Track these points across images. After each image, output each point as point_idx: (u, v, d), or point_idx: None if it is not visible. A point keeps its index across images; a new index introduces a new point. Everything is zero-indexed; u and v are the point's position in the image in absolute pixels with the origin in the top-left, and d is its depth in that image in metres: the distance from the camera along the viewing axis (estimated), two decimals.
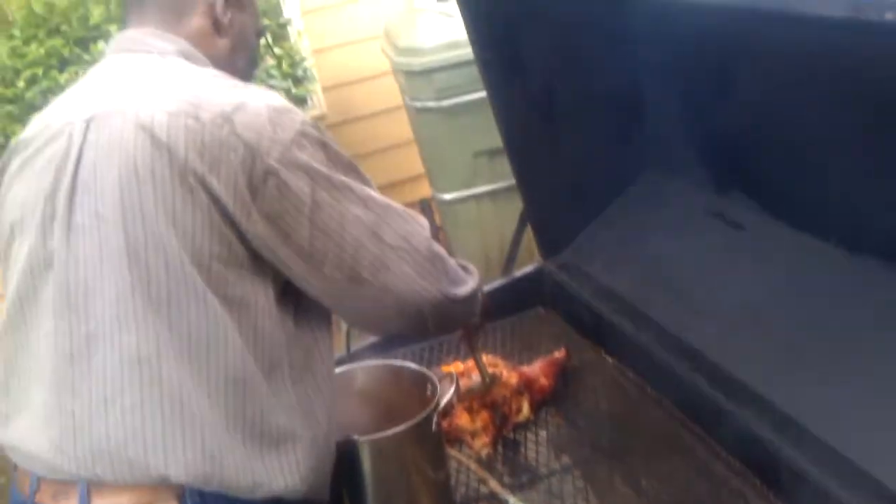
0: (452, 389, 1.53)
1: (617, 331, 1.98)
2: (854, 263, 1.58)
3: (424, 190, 3.89)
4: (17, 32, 3.04)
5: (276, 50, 3.42)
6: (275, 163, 1.10)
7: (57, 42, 2.98)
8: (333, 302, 1.23)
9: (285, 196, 1.11)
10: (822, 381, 1.51)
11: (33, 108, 2.87)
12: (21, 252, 1.16)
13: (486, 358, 1.88)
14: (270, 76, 3.34)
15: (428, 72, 2.93)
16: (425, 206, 3.82)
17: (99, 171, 1.10)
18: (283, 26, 3.68)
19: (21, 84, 2.93)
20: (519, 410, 1.87)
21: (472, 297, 1.32)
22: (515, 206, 2.40)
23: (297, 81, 3.54)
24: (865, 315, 1.52)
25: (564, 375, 1.99)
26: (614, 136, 2.12)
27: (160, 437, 1.06)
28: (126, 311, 1.07)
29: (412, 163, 3.78)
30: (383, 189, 1.25)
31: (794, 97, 1.51)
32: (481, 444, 1.80)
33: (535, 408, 1.90)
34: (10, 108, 2.94)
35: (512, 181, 2.35)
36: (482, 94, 2.27)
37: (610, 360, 2.02)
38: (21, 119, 2.90)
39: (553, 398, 1.94)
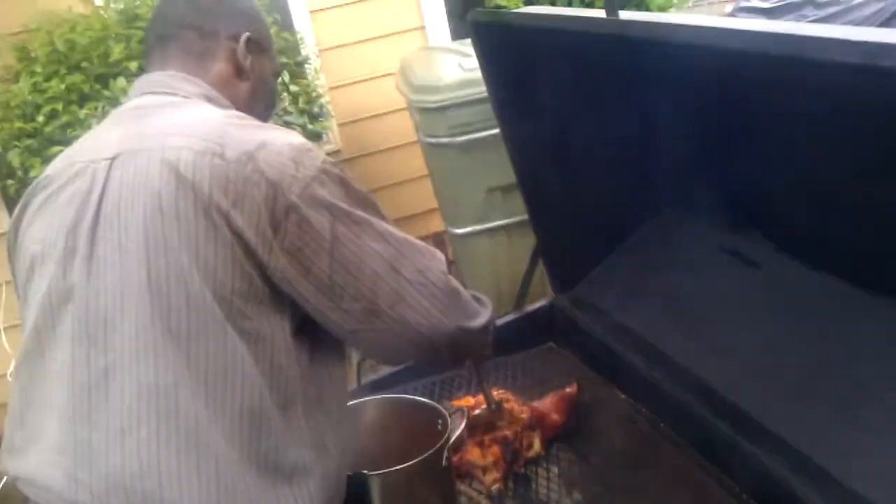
0: (463, 424, 1.53)
1: (630, 367, 1.97)
2: (871, 302, 1.58)
3: (437, 224, 3.91)
4: (38, 69, 3.07)
5: (293, 87, 3.46)
6: (296, 199, 1.12)
7: (77, 78, 3.01)
8: (350, 334, 1.23)
9: (306, 231, 1.13)
10: (839, 419, 1.50)
11: (52, 142, 2.91)
12: (41, 285, 1.17)
13: (497, 392, 1.88)
14: (287, 112, 3.37)
15: (443, 109, 2.95)
16: (439, 240, 3.83)
17: (123, 207, 1.12)
18: (301, 64, 3.73)
19: (41, 119, 2.96)
20: (530, 446, 1.86)
21: (485, 328, 1.35)
22: (528, 241, 2.40)
23: (314, 118, 3.58)
24: (883, 354, 1.51)
25: (576, 411, 1.98)
26: (628, 174, 2.12)
27: (175, 468, 1.07)
28: (146, 343, 1.08)
29: (424, 197, 3.80)
30: (396, 222, 1.27)
31: (809, 136, 1.51)
32: (492, 479, 1.79)
33: (547, 443, 1.89)
34: (29, 142, 2.96)
35: (525, 216, 2.36)
36: (496, 130, 2.29)
37: (622, 396, 2.01)
38: (40, 153, 2.93)
39: (564, 434, 1.93)
